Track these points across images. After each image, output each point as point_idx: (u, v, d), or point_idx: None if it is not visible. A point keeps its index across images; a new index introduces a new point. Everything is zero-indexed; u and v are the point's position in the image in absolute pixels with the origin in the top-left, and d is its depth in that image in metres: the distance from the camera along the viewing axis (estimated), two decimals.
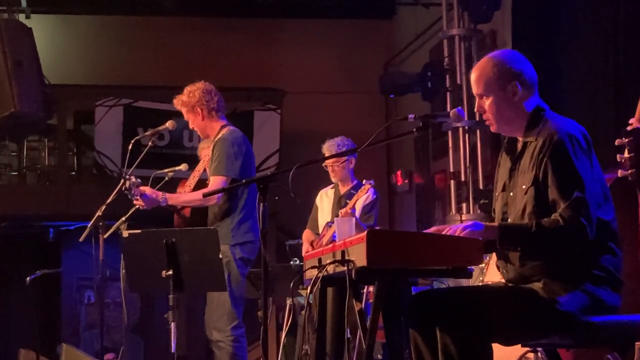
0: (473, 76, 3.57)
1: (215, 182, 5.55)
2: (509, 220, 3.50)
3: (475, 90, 3.57)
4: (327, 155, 6.62)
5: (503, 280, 3.60)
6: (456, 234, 3.29)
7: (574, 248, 3.31)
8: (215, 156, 5.60)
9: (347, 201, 6.44)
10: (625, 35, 6.47)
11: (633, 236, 3.02)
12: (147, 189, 5.48)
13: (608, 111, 6.30)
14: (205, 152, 5.92)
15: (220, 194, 5.50)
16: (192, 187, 5.70)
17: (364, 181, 6.46)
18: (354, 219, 4.71)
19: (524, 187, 3.43)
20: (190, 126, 5.86)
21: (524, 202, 3.41)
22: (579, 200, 3.27)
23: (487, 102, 3.54)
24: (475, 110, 3.61)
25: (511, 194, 3.52)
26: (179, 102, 5.81)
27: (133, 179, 5.41)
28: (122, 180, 5.45)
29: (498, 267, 3.61)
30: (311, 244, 6.73)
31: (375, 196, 6.58)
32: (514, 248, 3.43)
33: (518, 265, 3.43)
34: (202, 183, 5.70)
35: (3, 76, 9.00)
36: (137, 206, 5.52)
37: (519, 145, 3.56)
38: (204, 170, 5.85)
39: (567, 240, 3.29)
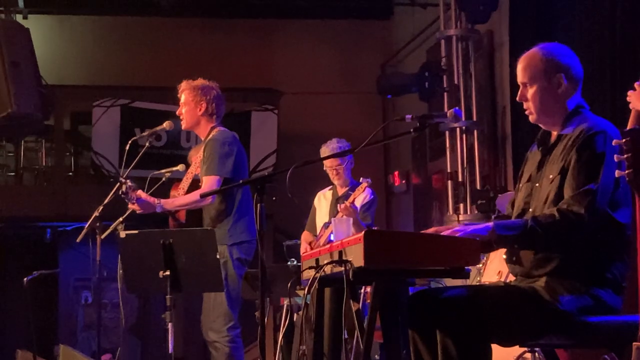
0: (520, 65, 3.57)
1: (209, 182, 5.54)
2: (530, 210, 3.50)
3: (520, 78, 3.56)
4: (323, 156, 6.63)
5: (501, 280, 3.60)
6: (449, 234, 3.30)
7: (569, 239, 3.30)
8: (207, 157, 5.59)
9: (345, 202, 6.44)
10: (622, 35, 6.47)
11: (632, 236, 3.02)
12: (142, 194, 5.46)
13: (605, 111, 6.30)
14: (195, 156, 5.91)
15: (214, 195, 5.49)
16: (186, 190, 5.68)
17: (361, 179, 6.47)
18: (351, 220, 4.70)
19: (550, 176, 3.43)
20: (179, 111, 5.78)
21: (548, 191, 3.41)
22: (588, 191, 3.26)
23: (531, 91, 3.53)
24: (517, 98, 3.59)
25: (537, 184, 3.52)
26: (189, 86, 5.74)
27: (129, 182, 5.40)
28: (118, 184, 5.43)
29: (507, 262, 3.60)
30: (309, 244, 6.74)
31: (372, 196, 6.59)
32: (510, 245, 3.43)
33: (527, 261, 3.42)
34: (195, 185, 5.68)
35: (0, 77, 8.99)
36: (132, 207, 5.51)
37: (553, 138, 3.55)
38: (196, 173, 5.82)
39: (563, 233, 3.28)
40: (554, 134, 3.56)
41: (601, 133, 3.35)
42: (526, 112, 3.60)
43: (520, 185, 3.66)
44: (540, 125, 3.63)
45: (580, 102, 3.56)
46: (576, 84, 3.55)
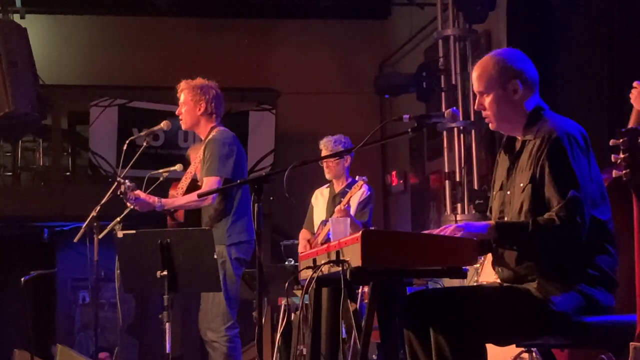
0: (474, 74, 3.58)
1: (209, 182, 5.53)
2: (506, 219, 3.51)
3: (475, 87, 3.57)
4: (323, 151, 6.64)
5: (498, 281, 3.61)
6: (449, 234, 3.30)
7: (568, 247, 3.32)
8: (207, 157, 5.59)
9: (342, 199, 6.46)
10: (619, 35, 6.48)
11: (628, 237, 3.02)
12: (141, 194, 5.46)
13: (602, 111, 6.31)
14: (194, 155, 5.91)
15: (214, 195, 5.49)
16: (185, 190, 5.68)
17: (357, 177, 6.47)
18: (348, 219, 4.70)
19: (521, 185, 3.43)
20: (179, 110, 5.79)
21: (521, 200, 3.42)
22: (574, 199, 3.27)
23: (488, 100, 3.54)
24: (475, 107, 3.62)
25: (508, 192, 3.53)
26: (188, 86, 5.73)
27: (127, 182, 5.40)
28: (116, 184, 5.43)
29: (493, 267, 3.61)
30: (308, 241, 6.74)
31: (369, 192, 6.60)
32: (510, 247, 3.44)
33: (513, 265, 3.44)
34: (194, 185, 5.68)
35: None
36: (132, 207, 5.50)
37: (518, 144, 3.56)
38: (196, 172, 5.82)
39: (562, 239, 3.29)
40: (519, 139, 3.57)
41: (564, 135, 3.36)
42: (485, 120, 3.61)
43: (494, 193, 3.68)
44: (502, 132, 3.64)
45: (539, 103, 3.56)
46: (532, 86, 3.55)
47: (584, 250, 3.34)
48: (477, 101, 3.59)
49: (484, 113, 3.59)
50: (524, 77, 3.52)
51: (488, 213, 3.76)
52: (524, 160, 3.47)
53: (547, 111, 3.55)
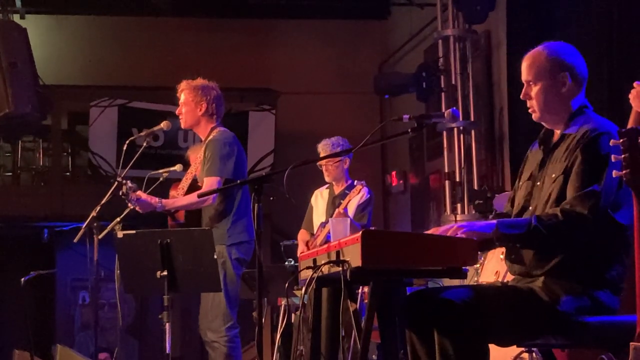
0: (525, 63, 3.56)
1: (209, 183, 5.54)
2: (529, 208, 3.50)
3: (524, 76, 3.56)
4: (322, 154, 6.63)
5: (498, 280, 3.61)
6: (450, 234, 3.30)
7: (573, 239, 3.30)
8: (208, 157, 5.59)
9: (341, 201, 6.46)
10: (619, 35, 6.48)
11: (631, 237, 3.02)
12: (142, 194, 5.46)
13: (602, 111, 6.27)
14: (194, 156, 5.91)
15: (215, 195, 5.49)
16: (185, 190, 5.68)
17: (356, 182, 6.47)
18: (348, 220, 4.70)
19: (553, 176, 3.42)
20: (179, 110, 5.79)
21: (550, 191, 3.41)
22: (592, 192, 3.26)
23: (535, 89, 3.53)
24: (521, 96, 3.59)
25: (538, 183, 3.52)
26: (189, 86, 5.74)
27: (129, 183, 5.40)
28: (117, 184, 5.43)
29: (506, 261, 3.60)
30: (306, 244, 6.74)
31: (369, 195, 6.59)
32: (512, 244, 3.43)
33: (526, 260, 3.42)
34: (195, 185, 5.68)
35: None
36: (133, 207, 5.51)
37: (555, 138, 3.55)
38: (196, 173, 5.82)
39: (566, 233, 3.28)
40: (557, 132, 3.56)
41: (605, 134, 3.35)
42: (529, 110, 3.59)
43: (521, 183, 3.66)
44: (543, 124, 3.63)
45: (584, 102, 3.56)
46: (581, 83, 3.55)
47: (599, 253, 3.33)
48: (523, 90, 3.57)
49: (528, 103, 3.57)
50: (574, 72, 3.52)
51: (508, 204, 3.74)
52: (560, 152, 3.45)
53: (591, 111, 3.55)
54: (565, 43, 3.64)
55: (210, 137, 5.70)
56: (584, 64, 3.57)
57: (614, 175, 2.88)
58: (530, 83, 3.54)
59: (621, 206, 3.33)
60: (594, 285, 3.33)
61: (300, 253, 6.29)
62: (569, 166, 3.37)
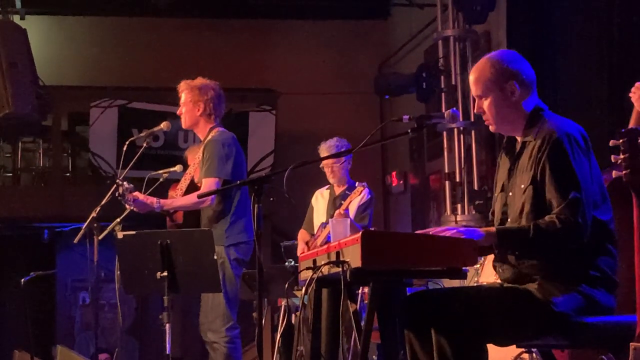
0: (471, 78, 3.58)
1: (208, 183, 5.53)
2: (508, 220, 3.50)
3: (474, 91, 3.57)
4: (322, 156, 6.63)
5: (498, 281, 3.60)
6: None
7: (570, 248, 3.32)
8: (206, 158, 5.59)
9: (342, 202, 6.46)
10: (619, 35, 6.48)
11: (628, 237, 3.02)
12: (140, 195, 5.46)
13: (602, 112, 6.31)
14: (192, 156, 5.90)
15: (214, 196, 5.49)
16: (184, 191, 5.68)
17: (357, 183, 6.48)
18: (348, 220, 4.70)
19: (522, 186, 3.43)
20: (180, 111, 5.79)
21: (522, 202, 3.42)
22: (576, 200, 3.27)
23: (486, 103, 3.54)
24: (475, 111, 3.62)
25: (510, 193, 3.53)
26: (188, 87, 5.74)
27: (126, 184, 5.40)
28: (115, 186, 5.43)
29: (494, 267, 3.61)
30: (306, 244, 6.74)
31: (370, 196, 6.60)
32: (511, 252, 3.44)
33: (514, 265, 3.43)
34: (193, 186, 5.68)
35: None
36: (131, 208, 5.51)
37: (518, 145, 3.56)
38: (195, 174, 5.81)
39: (564, 241, 3.29)
40: (519, 140, 3.57)
41: (564, 136, 3.35)
42: (486, 123, 3.62)
43: (496, 194, 3.68)
44: (502, 134, 3.64)
45: (538, 104, 3.56)
46: (529, 87, 3.54)
47: (586, 251, 3.34)
48: (476, 105, 3.60)
49: (484, 116, 3.60)
50: (520, 78, 3.52)
51: (490, 215, 3.76)
52: (524, 161, 3.47)
53: (547, 112, 3.55)
54: (506, 50, 3.67)
55: (209, 137, 5.70)
56: (529, 67, 3.57)
57: (614, 176, 2.88)
58: (481, 97, 3.56)
59: (597, 204, 3.36)
60: (588, 284, 3.33)
61: (301, 253, 6.30)
62: (537, 175, 3.38)
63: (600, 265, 3.36)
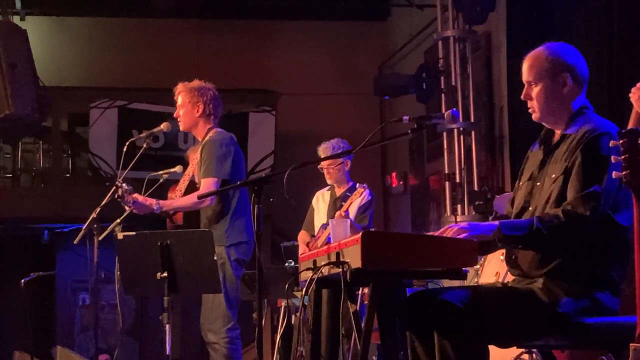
0: (525, 64, 3.57)
1: (207, 184, 5.53)
2: (530, 209, 3.49)
3: (525, 77, 3.56)
4: (322, 157, 6.63)
5: (498, 281, 3.60)
6: (452, 236, 3.29)
7: (573, 240, 3.30)
8: (205, 158, 5.59)
9: (343, 203, 6.46)
10: (619, 36, 6.48)
11: (631, 238, 3.02)
12: (139, 197, 5.46)
13: (602, 112, 6.29)
14: (193, 156, 5.91)
15: (213, 196, 5.49)
16: (183, 191, 5.68)
17: (358, 185, 6.47)
18: (348, 221, 4.70)
19: (553, 176, 3.42)
20: (177, 113, 5.79)
21: (550, 191, 3.41)
22: (593, 194, 3.26)
23: (535, 90, 3.53)
24: (522, 97, 3.59)
25: (538, 183, 3.51)
26: (185, 88, 5.74)
27: (125, 186, 5.40)
28: (114, 187, 5.43)
29: (507, 262, 3.59)
30: (307, 245, 6.73)
31: (370, 197, 6.59)
32: (515, 245, 3.43)
33: (526, 261, 3.42)
34: (192, 186, 5.68)
35: None
36: (130, 210, 5.51)
37: (556, 138, 3.55)
38: (194, 173, 5.82)
39: (566, 233, 3.28)
40: (557, 133, 3.56)
41: (606, 134, 3.35)
42: (530, 110, 3.59)
43: (521, 183, 3.66)
44: (544, 124, 3.63)
45: (585, 103, 3.56)
46: (581, 84, 3.55)
47: (600, 254, 3.33)
48: (524, 91, 3.57)
49: (529, 103, 3.57)
50: (575, 73, 3.52)
51: (509, 205, 3.74)
52: (560, 153, 3.45)
53: (592, 111, 3.55)
54: (566, 44, 3.64)
55: (207, 138, 5.70)
56: (584, 65, 3.57)
57: (613, 177, 2.87)
58: (531, 84, 3.54)
59: (621, 207, 3.33)
60: (594, 286, 3.33)
61: (301, 254, 6.31)
62: (569, 166, 3.37)
63: (611, 273, 3.35)
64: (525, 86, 3.58)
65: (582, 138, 3.39)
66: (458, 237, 3.28)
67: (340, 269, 3.32)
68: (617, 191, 3.30)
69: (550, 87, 3.51)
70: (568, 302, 3.28)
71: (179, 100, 5.77)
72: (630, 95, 3.30)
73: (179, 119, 5.80)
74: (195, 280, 4.94)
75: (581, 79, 3.54)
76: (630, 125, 3.23)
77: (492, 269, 5.59)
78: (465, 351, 3.23)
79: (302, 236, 6.90)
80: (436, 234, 3.41)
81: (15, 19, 10.56)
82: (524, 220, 3.39)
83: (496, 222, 3.37)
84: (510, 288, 3.44)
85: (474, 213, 8.09)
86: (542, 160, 3.55)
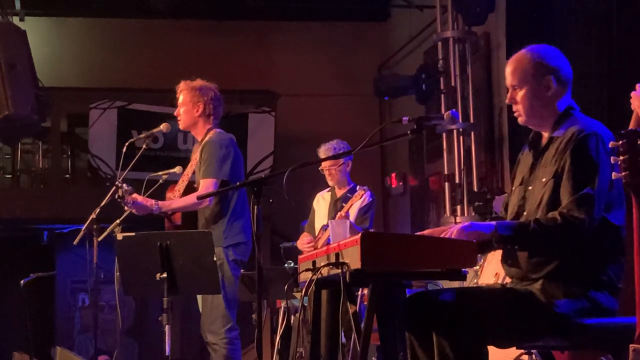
0: (508, 68, 3.57)
1: (206, 184, 5.53)
2: (524, 214, 3.50)
3: (509, 81, 3.56)
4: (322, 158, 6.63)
5: (498, 282, 3.60)
6: (452, 237, 3.29)
7: (571, 244, 3.30)
8: (204, 159, 5.59)
9: (343, 204, 6.45)
10: (618, 37, 6.48)
11: (628, 237, 3.02)
12: (138, 197, 5.46)
13: (602, 114, 6.30)
14: (193, 156, 5.91)
15: (212, 197, 5.49)
16: (182, 192, 5.68)
17: (358, 187, 6.47)
18: (348, 222, 4.71)
19: (543, 180, 3.42)
20: (177, 112, 5.79)
21: (541, 195, 3.41)
22: (587, 196, 3.26)
23: (520, 94, 3.53)
24: (507, 101, 3.59)
25: (530, 187, 3.52)
26: (187, 87, 5.74)
27: (125, 186, 5.40)
28: (114, 188, 5.43)
29: (502, 263, 3.60)
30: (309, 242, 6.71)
31: (371, 199, 6.58)
32: (511, 247, 3.43)
33: (522, 262, 3.43)
34: (191, 187, 5.68)
35: None
36: (130, 210, 5.51)
37: (544, 141, 3.55)
38: (193, 173, 5.81)
39: (563, 236, 3.28)
40: (545, 135, 3.56)
41: (593, 135, 3.35)
42: (515, 114, 3.60)
43: (513, 188, 3.66)
44: (530, 127, 3.63)
45: (571, 104, 3.56)
46: (565, 85, 3.54)
47: (595, 255, 3.33)
48: (509, 95, 3.57)
49: (514, 107, 3.57)
50: (558, 75, 3.52)
51: (502, 210, 3.74)
52: (549, 156, 3.45)
53: (578, 112, 3.55)
54: (548, 45, 3.65)
55: (207, 138, 5.70)
56: (568, 66, 3.56)
57: (613, 177, 2.87)
58: (516, 87, 3.55)
59: (613, 207, 3.35)
60: (592, 287, 3.33)
61: (302, 242, 6.41)
62: (559, 170, 3.37)
63: (608, 272, 3.35)
64: (510, 90, 3.58)
65: (570, 140, 3.39)
66: (457, 237, 3.28)
67: (340, 270, 3.32)
68: (609, 191, 3.31)
69: (535, 91, 3.51)
70: (566, 303, 3.28)
71: (180, 98, 5.77)
72: (631, 100, 3.29)
73: (178, 117, 5.80)
74: (195, 281, 4.94)
75: (565, 80, 3.54)
76: (630, 127, 3.22)
77: (492, 270, 5.59)
78: (465, 352, 3.23)
79: (304, 236, 6.89)
80: (436, 232, 3.41)
81: (15, 20, 10.55)
82: (521, 222, 3.39)
83: (493, 222, 3.38)
84: (509, 289, 3.44)
85: (473, 214, 8.09)
86: (532, 163, 3.56)
